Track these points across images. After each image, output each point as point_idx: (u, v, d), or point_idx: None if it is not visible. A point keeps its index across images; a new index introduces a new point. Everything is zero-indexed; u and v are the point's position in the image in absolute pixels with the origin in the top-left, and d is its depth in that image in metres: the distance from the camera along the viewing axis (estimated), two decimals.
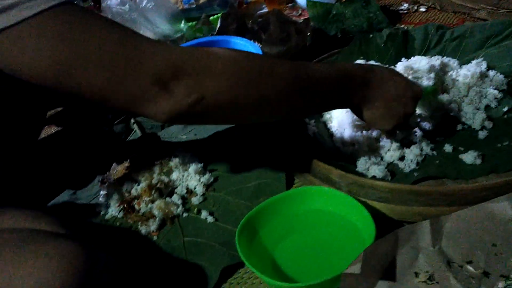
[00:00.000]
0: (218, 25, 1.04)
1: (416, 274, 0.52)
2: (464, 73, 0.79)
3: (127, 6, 1.14)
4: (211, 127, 0.93)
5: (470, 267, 0.52)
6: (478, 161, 0.66)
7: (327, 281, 0.50)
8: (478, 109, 0.75)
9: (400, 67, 0.82)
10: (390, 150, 0.70)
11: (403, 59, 0.85)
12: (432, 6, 1.23)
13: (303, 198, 0.63)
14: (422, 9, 1.22)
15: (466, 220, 0.56)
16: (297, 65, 0.57)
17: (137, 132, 0.87)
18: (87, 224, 0.68)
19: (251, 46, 0.93)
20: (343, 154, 0.72)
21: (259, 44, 0.98)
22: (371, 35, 0.91)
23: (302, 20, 1.03)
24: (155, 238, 0.67)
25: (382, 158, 0.71)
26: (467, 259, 0.53)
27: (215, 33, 1.05)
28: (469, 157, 0.66)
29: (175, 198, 0.71)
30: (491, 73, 0.79)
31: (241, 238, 0.58)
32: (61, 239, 0.46)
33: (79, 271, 0.43)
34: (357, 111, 0.64)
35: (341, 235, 0.60)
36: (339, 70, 0.60)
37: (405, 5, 1.25)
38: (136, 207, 0.70)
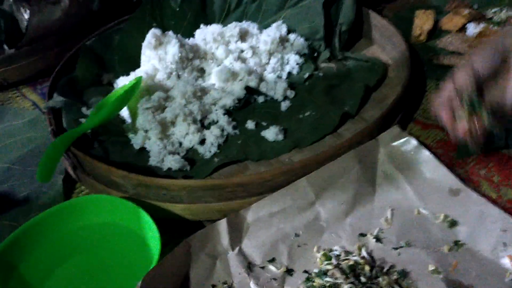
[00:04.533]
0: None
1: (214, 287, 0.44)
2: (265, 39, 0.72)
3: None
4: None
5: (272, 267, 0.46)
6: (280, 137, 0.60)
7: None
8: (280, 77, 0.70)
9: (199, 35, 0.73)
10: (188, 134, 0.61)
11: (201, 25, 0.75)
12: None
13: (77, 211, 0.50)
14: None
15: (266, 210, 0.49)
16: None
17: None
18: None
19: None
20: (134, 145, 0.60)
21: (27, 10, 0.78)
22: None
23: None
24: None
25: (180, 144, 0.61)
26: (269, 257, 0.47)
27: None
28: (270, 133, 0.60)
29: None
30: (292, 36, 0.74)
31: None
32: None
33: None
34: None
35: (127, 252, 0.48)
36: None
37: None
38: None
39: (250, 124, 0.63)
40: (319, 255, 0.46)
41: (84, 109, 0.64)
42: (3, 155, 0.65)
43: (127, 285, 0.43)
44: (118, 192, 0.52)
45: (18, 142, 0.67)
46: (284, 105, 0.66)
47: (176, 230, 0.50)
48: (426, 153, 0.52)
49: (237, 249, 0.47)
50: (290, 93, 0.67)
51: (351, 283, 0.40)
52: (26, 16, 0.81)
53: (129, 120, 0.63)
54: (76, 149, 0.54)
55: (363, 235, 0.48)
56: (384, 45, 0.73)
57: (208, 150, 0.60)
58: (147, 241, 0.48)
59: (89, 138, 0.58)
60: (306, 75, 0.70)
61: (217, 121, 0.63)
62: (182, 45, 0.67)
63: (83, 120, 0.62)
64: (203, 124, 0.63)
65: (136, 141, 0.60)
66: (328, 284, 0.41)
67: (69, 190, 0.57)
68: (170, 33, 0.68)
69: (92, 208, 0.50)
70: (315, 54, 0.74)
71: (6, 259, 0.46)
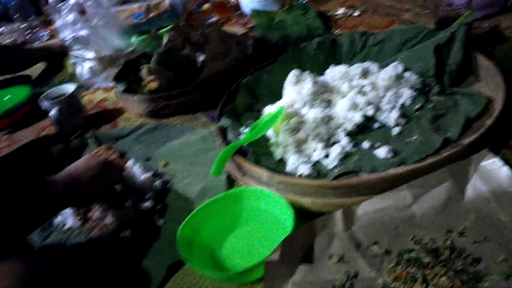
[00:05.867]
0: (164, 40, 1.11)
1: (330, 257, 0.62)
2: (383, 76, 0.89)
3: (78, 25, 1.20)
4: (161, 137, 1.01)
5: (375, 248, 0.62)
6: (390, 155, 0.76)
7: (251, 268, 0.59)
8: (394, 108, 0.85)
9: (329, 74, 0.92)
10: (316, 150, 0.80)
11: (331, 66, 0.95)
12: (365, 9, 1.33)
13: (237, 198, 0.72)
14: (356, 13, 1.33)
15: (373, 207, 0.66)
16: None
17: (92, 146, 0.94)
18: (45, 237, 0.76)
19: None
20: (276, 156, 0.81)
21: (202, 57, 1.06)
22: (301, 45, 1.00)
23: (243, 31, 1.11)
24: (109, 242, 0.74)
25: (309, 157, 0.80)
26: (374, 240, 0.63)
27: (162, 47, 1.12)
28: (382, 151, 0.76)
29: (128, 205, 0.79)
30: (407, 74, 0.90)
31: (182, 236, 0.66)
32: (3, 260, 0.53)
33: (24, 281, 0.51)
34: None
35: (270, 229, 0.69)
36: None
37: (341, 10, 1.35)
38: (91, 215, 0.78)
39: (365, 144, 0.80)
40: (412, 242, 0.61)
41: (241, 129, 0.88)
42: (183, 160, 0.92)
43: (271, 249, 0.63)
44: (265, 188, 0.73)
45: (193, 151, 0.93)
46: (395, 131, 0.81)
47: (304, 217, 0.69)
48: (508, 172, 0.64)
49: (349, 232, 0.64)
50: (402, 121, 0.82)
51: (431, 258, 0.55)
52: (200, 59, 1.10)
53: (273, 138, 0.84)
54: (237, 156, 0.77)
55: (450, 231, 0.61)
56: (489, 82, 0.84)
57: (330, 163, 0.78)
58: (284, 222, 0.67)
59: (246, 149, 0.81)
60: (417, 107, 0.84)
61: (339, 141, 0.81)
62: (315, 82, 0.87)
63: (241, 136, 0.85)
64: (328, 143, 0.82)
65: (278, 153, 0.81)
66: (413, 258, 0.56)
67: (231, 185, 0.80)
68: (306, 73, 0.89)
69: (247, 197, 0.72)
70: (427, 89, 0.88)
71: (193, 224, 0.69)
